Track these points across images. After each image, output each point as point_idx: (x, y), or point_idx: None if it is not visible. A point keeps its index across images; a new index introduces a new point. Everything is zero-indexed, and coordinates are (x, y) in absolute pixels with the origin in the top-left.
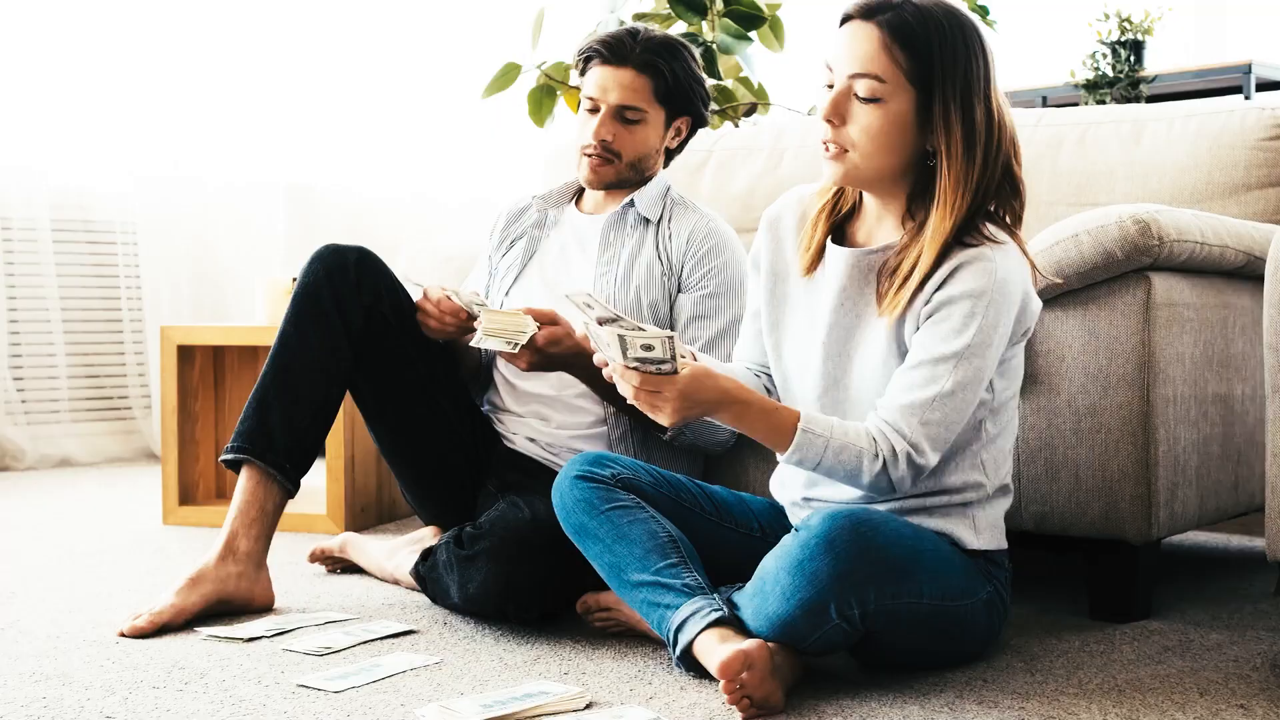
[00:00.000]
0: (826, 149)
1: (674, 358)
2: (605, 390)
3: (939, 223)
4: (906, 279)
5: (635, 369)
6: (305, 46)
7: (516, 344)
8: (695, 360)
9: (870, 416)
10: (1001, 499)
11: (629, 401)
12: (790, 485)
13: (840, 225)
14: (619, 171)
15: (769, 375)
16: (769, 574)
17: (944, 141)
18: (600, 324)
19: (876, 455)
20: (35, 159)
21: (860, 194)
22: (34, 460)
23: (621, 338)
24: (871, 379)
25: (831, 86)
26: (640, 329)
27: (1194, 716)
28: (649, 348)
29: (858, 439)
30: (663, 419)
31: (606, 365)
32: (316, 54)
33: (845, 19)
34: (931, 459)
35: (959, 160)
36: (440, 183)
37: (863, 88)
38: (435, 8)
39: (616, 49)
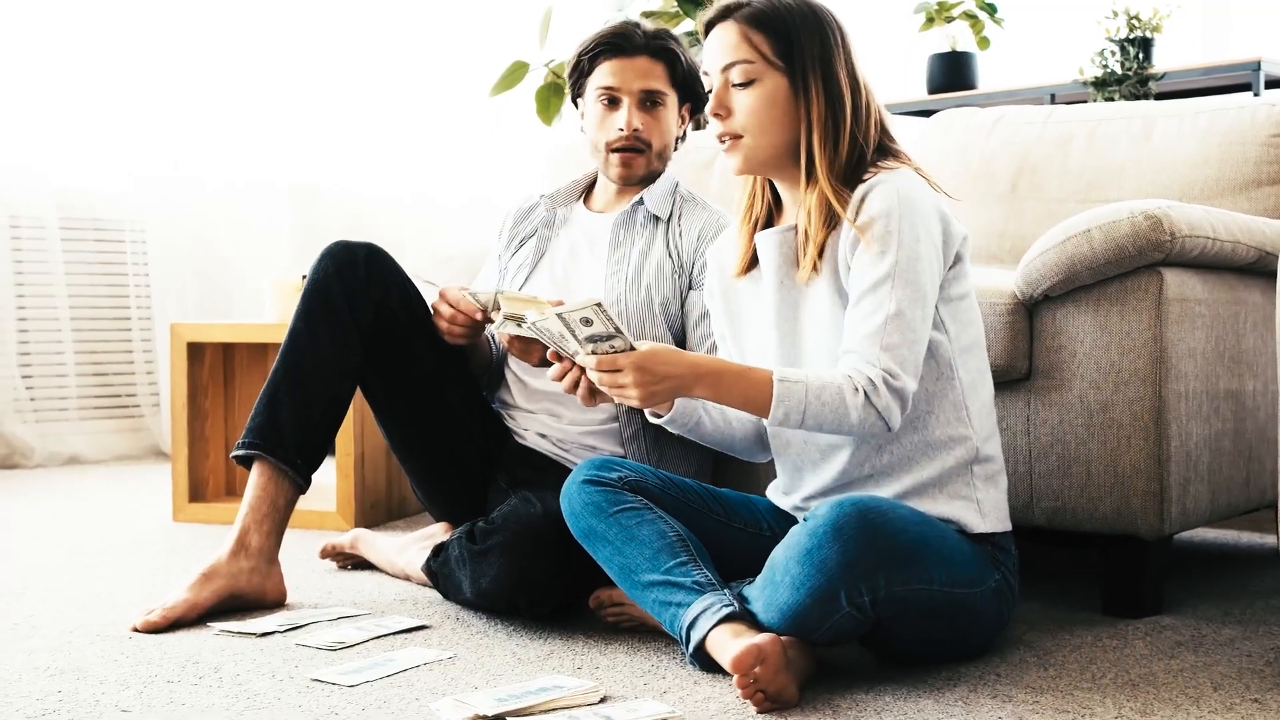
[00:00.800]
0: (722, 142)
1: (618, 330)
2: None
3: (813, 174)
4: (808, 236)
5: (594, 352)
6: (311, 47)
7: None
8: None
9: (838, 362)
10: (1000, 478)
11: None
12: (791, 492)
13: (773, 221)
14: (649, 162)
15: None
16: (778, 565)
17: (808, 104)
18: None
19: (856, 389)
20: (43, 158)
21: (772, 187)
22: (43, 458)
23: (561, 317)
24: (824, 345)
25: (712, 90)
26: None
27: (1208, 710)
28: (587, 321)
29: (834, 378)
30: (632, 400)
31: (564, 370)
32: (322, 54)
33: (708, 28)
34: (908, 381)
35: (824, 121)
36: (443, 182)
37: (736, 74)
38: (440, 7)
39: (626, 39)
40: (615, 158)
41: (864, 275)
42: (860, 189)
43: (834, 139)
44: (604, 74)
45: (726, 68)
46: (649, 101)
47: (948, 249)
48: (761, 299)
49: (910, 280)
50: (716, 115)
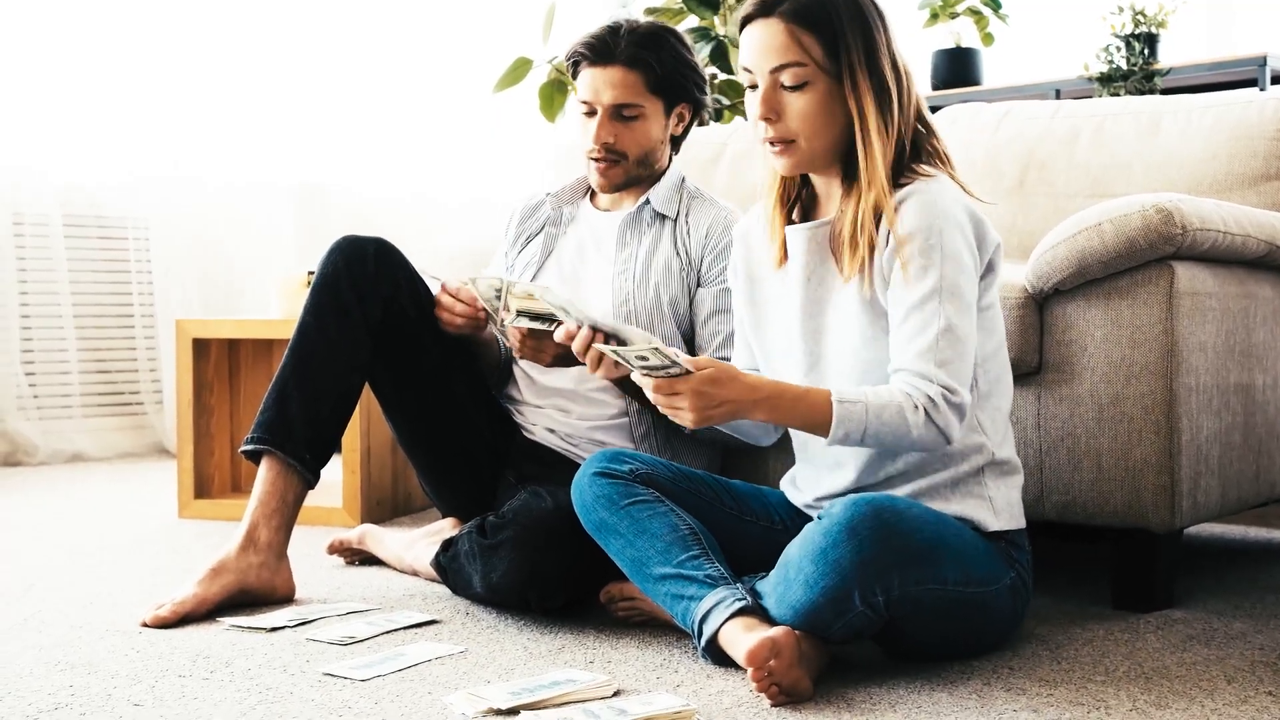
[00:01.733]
0: (772, 146)
1: (674, 361)
2: (627, 383)
3: (870, 179)
4: (854, 239)
5: (647, 376)
6: (314, 45)
7: (551, 317)
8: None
9: (891, 380)
10: (1014, 477)
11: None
12: (804, 489)
13: (806, 212)
14: (628, 170)
15: None
16: (792, 562)
17: (860, 105)
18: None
19: (916, 406)
20: (47, 156)
21: (804, 176)
22: (46, 455)
23: (616, 353)
24: (848, 349)
25: (754, 87)
26: (626, 343)
27: (1222, 703)
28: (643, 358)
29: (892, 397)
30: (685, 420)
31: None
32: (326, 52)
33: (746, 21)
34: (965, 395)
35: (876, 118)
36: (446, 181)
37: (788, 77)
38: (444, 5)
39: (601, 48)
40: (592, 166)
41: (908, 295)
42: (896, 196)
43: (884, 135)
44: (582, 84)
45: (776, 70)
46: (622, 113)
47: (983, 256)
48: (788, 295)
49: (956, 294)
50: (766, 120)
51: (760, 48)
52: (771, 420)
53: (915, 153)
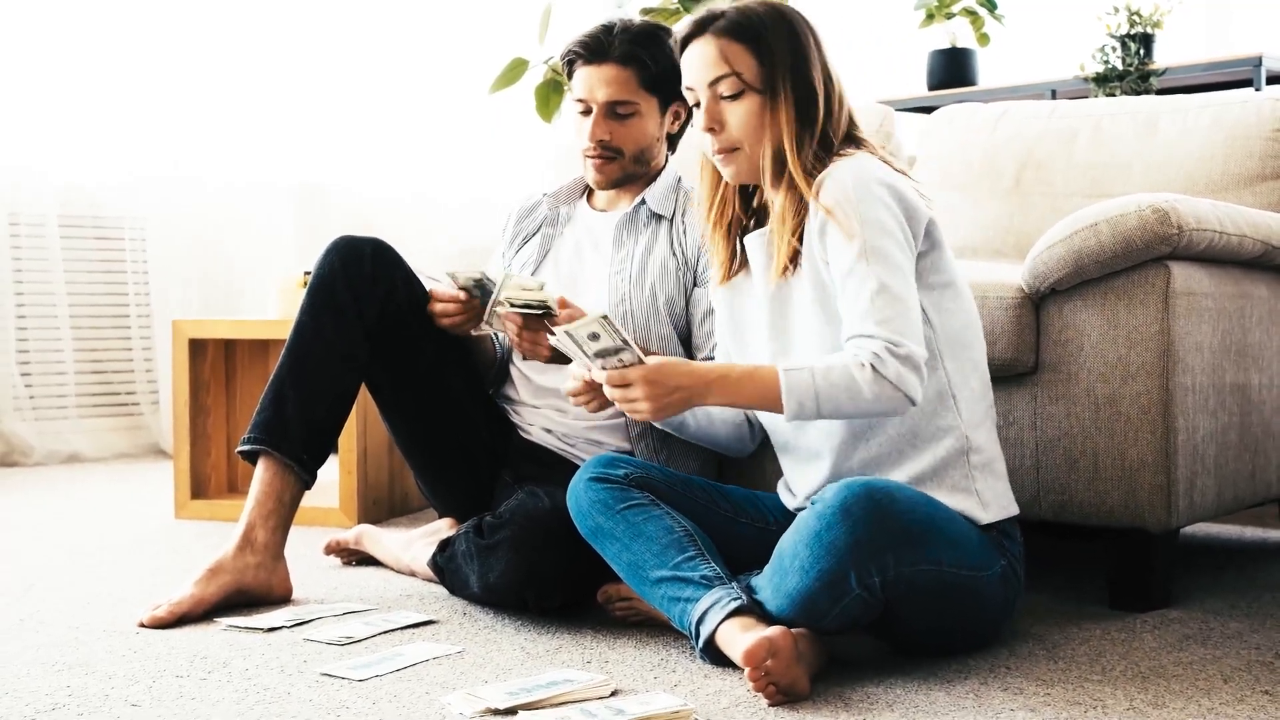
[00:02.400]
0: (718, 157)
1: (626, 343)
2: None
3: (792, 177)
4: (779, 232)
5: (604, 367)
6: (312, 45)
7: (544, 304)
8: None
9: (845, 345)
10: (996, 464)
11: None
12: (798, 492)
13: (760, 223)
14: (624, 167)
15: None
16: (787, 551)
17: (787, 104)
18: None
19: (862, 364)
20: (43, 156)
21: (740, 191)
22: (42, 456)
23: (568, 333)
24: (812, 338)
25: (699, 104)
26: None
27: (1219, 703)
28: (595, 336)
29: (838, 359)
30: (644, 414)
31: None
32: (323, 52)
33: (684, 44)
34: (914, 348)
35: (797, 123)
36: (445, 181)
37: (725, 87)
38: (442, 5)
39: (595, 47)
40: (589, 163)
41: (839, 262)
42: (816, 180)
43: (807, 137)
44: (577, 82)
45: (713, 83)
46: (616, 111)
47: (913, 223)
48: (755, 299)
49: (881, 254)
50: (710, 130)
51: (697, 65)
52: (726, 402)
53: (842, 145)
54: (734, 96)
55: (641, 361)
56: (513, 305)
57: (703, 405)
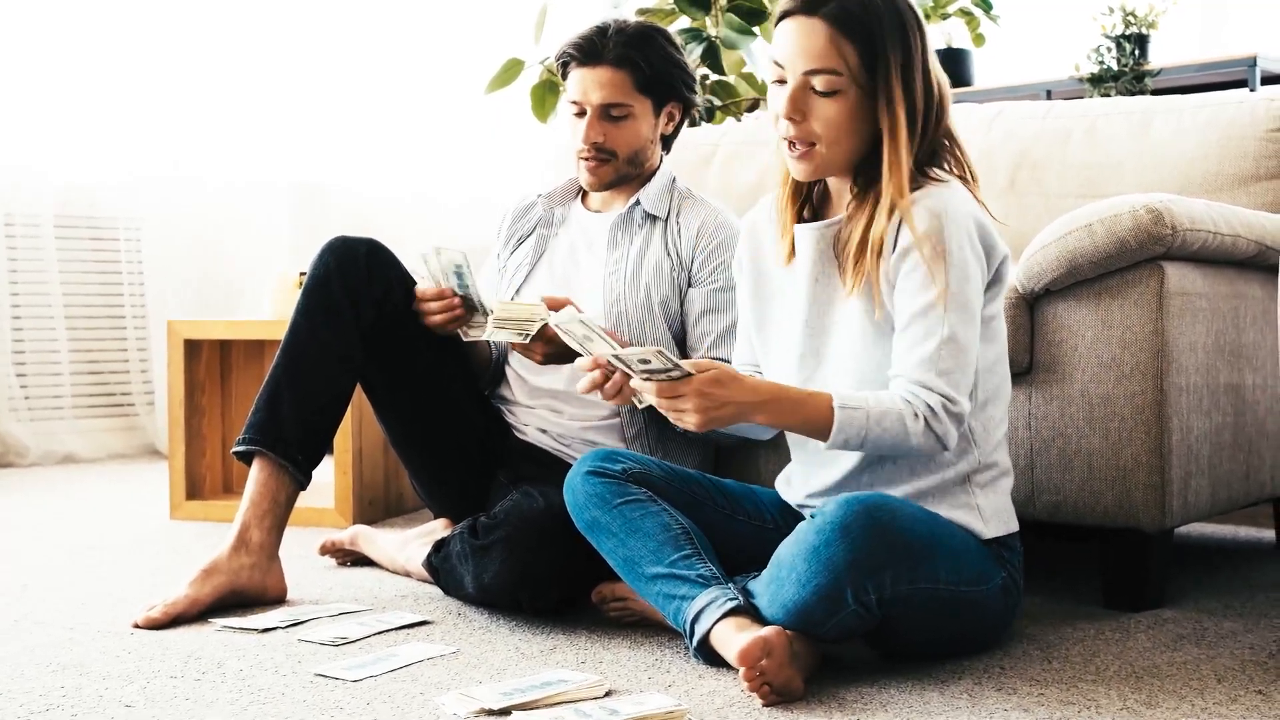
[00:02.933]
0: (792, 147)
1: (675, 364)
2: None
3: (891, 193)
4: (861, 251)
5: (649, 379)
6: (309, 45)
7: (527, 334)
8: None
9: (891, 386)
10: (1003, 480)
11: (656, 408)
12: (796, 486)
13: (816, 210)
14: (618, 169)
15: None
16: (784, 561)
17: (890, 118)
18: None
19: (916, 415)
20: (39, 156)
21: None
22: (37, 457)
23: (618, 357)
24: (849, 354)
25: (782, 82)
26: (631, 346)
27: (1213, 702)
28: (645, 361)
29: (893, 403)
30: (690, 423)
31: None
32: (320, 53)
33: (785, 15)
34: (964, 404)
35: (904, 132)
36: (442, 181)
37: (820, 83)
38: (438, 5)
39: (589, 49)
40: (582, 165)
41: (912, 301)
42: (904, 204)
43: (910, 152)
44: (571, 84)
45: (810, 73)
46: (610, 113)
47: (990, 265)
48: (794, 293)
49: (961, 303)
50: (791, 119)
51: (797, 47)
52: (772, 424)
53: (932, 159)
54: (829, 93)
55: (690, 374)
56: (499, 328)
57: (748, 423)
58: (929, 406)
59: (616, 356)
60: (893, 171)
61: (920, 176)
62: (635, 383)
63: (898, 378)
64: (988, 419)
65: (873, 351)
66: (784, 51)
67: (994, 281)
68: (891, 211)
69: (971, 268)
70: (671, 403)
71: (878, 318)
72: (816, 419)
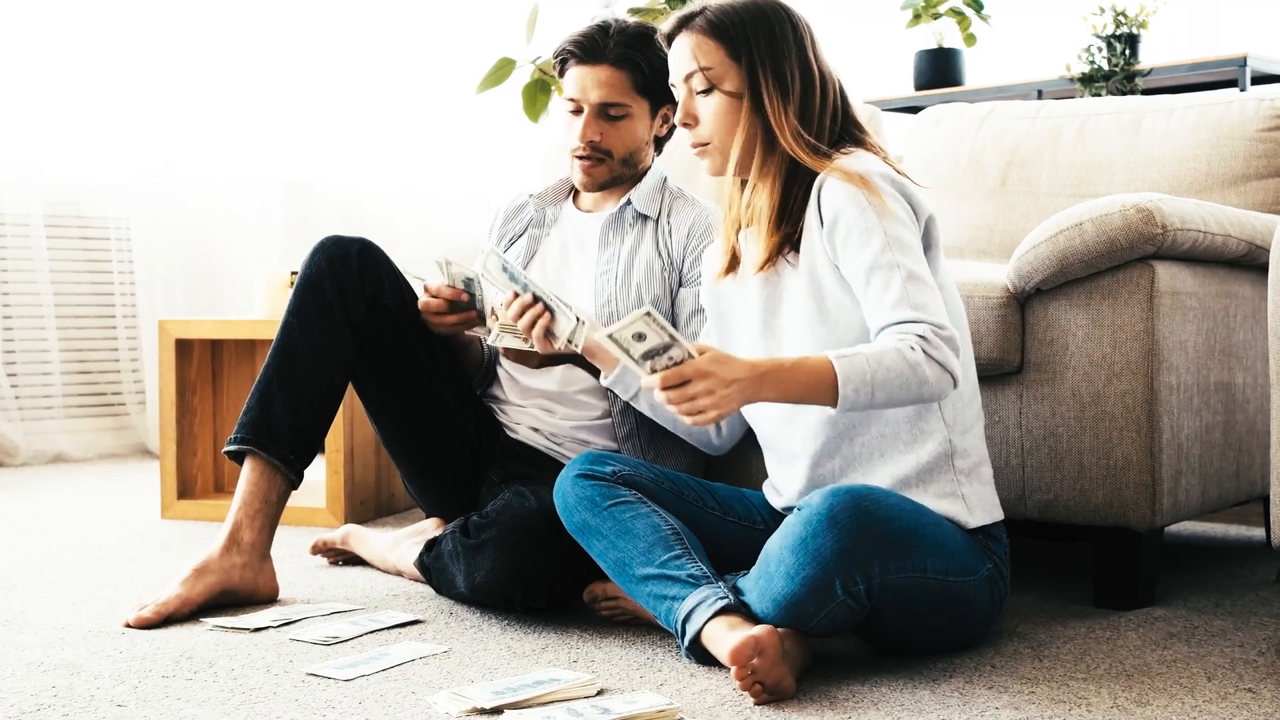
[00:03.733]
0: (695, 151)
1: (674, 337)
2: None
3: (779, 169)
4: (760, 227)
5: (654, 370)
6: (300, 43)
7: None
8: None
9: (876, 338)
10: (983, 469)
11: (670, 411)
12: (785, 492)
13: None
14: (612, 169)
15: None
16: (773, 555)
17: (763, 105)
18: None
19: (912, 348)
20: (28, 154)
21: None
22: (28, 456)
23: (612, 337)
24: (803, 336)
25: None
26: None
27: (1203, 700)
28: (640, 336)
29: (886, 344)
30: (708, 411)
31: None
32: (311, 51)
33: (668, 41)
34: (949, 327)
35: (774, 115)
36: (434, 179)
37: (697, 82)
38: (430, 4)
39: (590, 47)
40: (577, 164)
41: (860, 261)
42: (816, 182)
43: (792, 129)
44: (569, 82)
45: (687, 77)
46: (608, 112)
47: (918, 215)
48: (747, 297)
49: (903, 243)
50: (685, 125)
51: (675, 60)
52: (779, 397)
53: (838, 143)
54: (705, 91)
55: (692, 355)
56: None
57: (757, 401)
58: (920, 336)
59: (611, 337)
60: (788, 143)
61: (826, 158)
62: (645, 381)
63: (880, 330)
64: (955, 397)
65: (824, 326)
66: (671, 72)
67: (928, 246)
68: (774, 186)
69: (900, 213)
70: (680, 392)
71: (807, 273)
72: (820, 379)
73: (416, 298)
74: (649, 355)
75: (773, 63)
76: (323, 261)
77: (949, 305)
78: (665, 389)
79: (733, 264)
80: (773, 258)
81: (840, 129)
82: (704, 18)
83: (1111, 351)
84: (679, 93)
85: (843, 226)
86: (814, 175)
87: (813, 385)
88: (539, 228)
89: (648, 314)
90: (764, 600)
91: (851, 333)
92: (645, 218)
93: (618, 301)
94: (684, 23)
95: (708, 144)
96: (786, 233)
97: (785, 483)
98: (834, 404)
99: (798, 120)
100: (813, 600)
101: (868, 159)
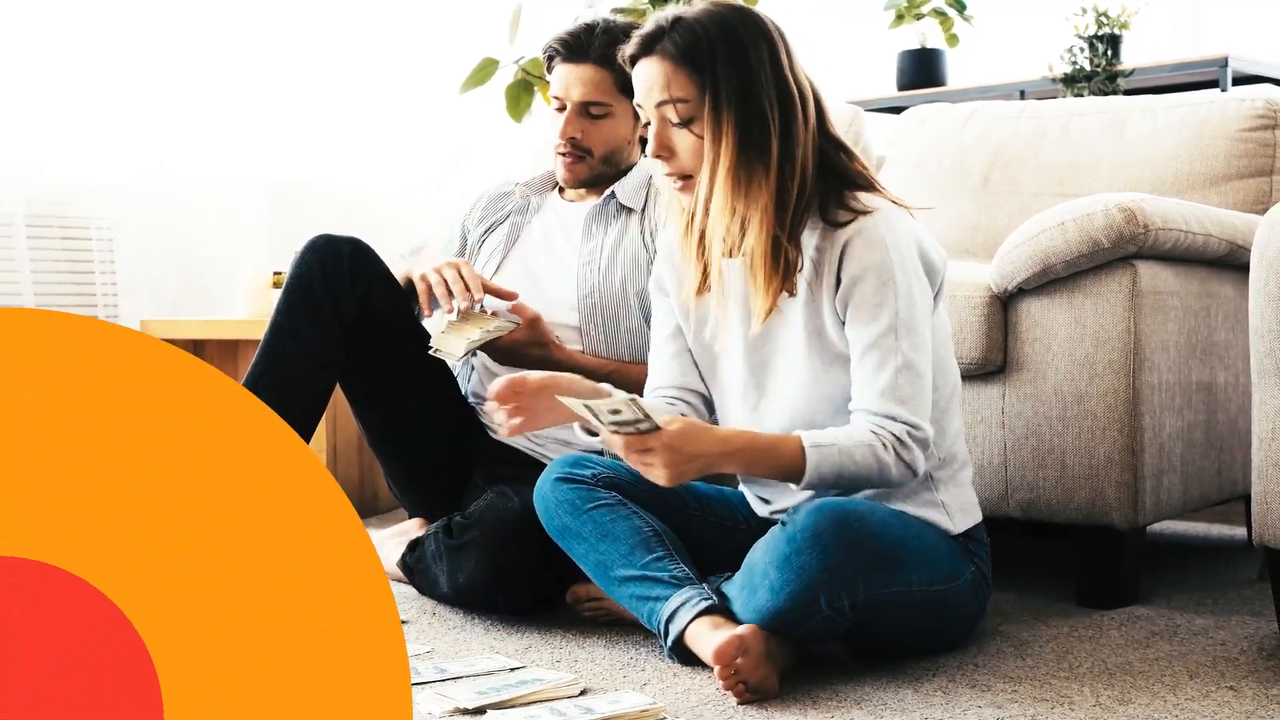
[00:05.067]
0: (673, 184)
1: (647, 416)
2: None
3: (763, 212)
4: (759, 277)
5: (618, 433)
6: (286, 43)
7: (472, 343)
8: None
9: (854, 420)
10: (963, 473)
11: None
12: (768, 501)
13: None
14: (592, 167)
15: (687, 399)
16: (757, 568)
17: (734, 140)
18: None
19: (885, 446)
20: (8, 153)
21: None
22: None
23: (588, 406)
24: (791, 374)
25: (649, 124)
26: (606, 396)
27: (1185, 698)
28: (616, 411)
29: (862, 436)
30: (658, 478)
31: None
32: (297, 51)
33: (634, 61)
34: (928, 429)
35: (756, 151)
36: (421, 179)
37: (672, 114)
38: (414, 4)
39: (575, 45)
40: (559, 160)
41: (864, 332)
42: (841, 236)
43: (768, 169)
44: (554, 79)
45: (659, 106)
46: (590, 111)
47: (932, 280)
48: (727, 320)
49: (911, 328)
50: (659, 157)
51: (644, 86)
52: (743, 472)
53: (846, 181)
54: (682, 124)
55: (657, 428)
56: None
57: (717, 471)
58: (895, 437)
59: (587, 406)
60: (764, 179)
61: (846, 206)
62: (604, 435)
63: (859, 412)
64: (940, 413)
65: (819, 383)
66: (638, 94)
67: (935, 297)
68: (766, 237)
69: (916, 294)
70: (640, 456)
71: (811, 327)
72: (788, 463)
73: (406, 297)
74: (619, 425)
75: (743, 94)
76: (313, 261)
77: (938, 353)
78: (628, 450)
79: (704, 279)
80: (774, 306)
81: (836, 158)
82: (670, 42)
83: (1094, 351)
84: (648, 115)
85: (857, 295)
86: (805, 198)
87: (780, 467)
88: (521, 214)
89: (632, 399)
90: (748, 612)
91: (842, 359)
92: (629, 210)
93: (600, 292)
94: (648, 47)
95: (690, 177)
96: (784, 275)
97: (770, 493)
98: (797, 482)
99: (770, 154)
100: (797, 614)
101: (894, 218)
